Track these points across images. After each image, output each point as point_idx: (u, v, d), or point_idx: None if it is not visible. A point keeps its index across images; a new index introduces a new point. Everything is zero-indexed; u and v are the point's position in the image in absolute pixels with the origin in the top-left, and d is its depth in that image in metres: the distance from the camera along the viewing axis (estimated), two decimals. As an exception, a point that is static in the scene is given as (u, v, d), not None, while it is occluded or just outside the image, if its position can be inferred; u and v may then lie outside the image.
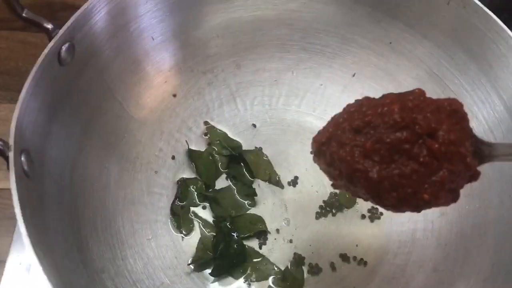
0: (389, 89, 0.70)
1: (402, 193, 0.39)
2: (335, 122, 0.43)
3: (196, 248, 0.64)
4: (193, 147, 0.70)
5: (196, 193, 0.67)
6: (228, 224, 0.64)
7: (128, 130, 0.66)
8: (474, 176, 0.41)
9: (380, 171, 0.39)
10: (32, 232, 0.42)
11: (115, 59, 0.62)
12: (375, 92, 0.72)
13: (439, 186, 0.39)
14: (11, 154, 0.45)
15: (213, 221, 0.65)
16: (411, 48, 0.68)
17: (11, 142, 0.46)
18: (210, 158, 0.69)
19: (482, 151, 0.41)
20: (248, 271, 0.63)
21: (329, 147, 0.42)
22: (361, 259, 0.65)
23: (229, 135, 0.72)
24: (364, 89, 0.73)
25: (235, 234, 0.64)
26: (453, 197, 0.41)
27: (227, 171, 0.69)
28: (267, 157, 0.71)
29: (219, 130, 0.72)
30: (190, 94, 0.72)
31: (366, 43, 0.71)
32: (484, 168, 0.44)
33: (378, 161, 0.39)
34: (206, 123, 0.72)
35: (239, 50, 0.73)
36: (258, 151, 0.71)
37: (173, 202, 0.66)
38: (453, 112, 0.40)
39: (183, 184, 0.67)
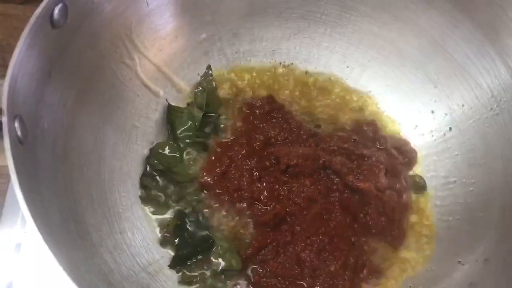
0: (390, 58, 0.69)
1: None
2: None
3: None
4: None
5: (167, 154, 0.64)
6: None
7: (123, 100, 0.63)
8: None
9: None
10: (29, 200, 0.40)
11: (109, 24, 0.59)
12: (376, 62, 0.71)
13: None
14: (4, 119, 0.42)
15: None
16: (415, 17, 0.66)
17: (4, 106, 0.43)
18: (189, 115, 0.66)
19: None
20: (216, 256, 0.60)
21: None
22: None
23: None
24: (365, 59, 0.71)
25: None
26: None
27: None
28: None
29: (214, 83, 0.69)
30: (185, 64, 0.69)
31: (368, 11, 0.68)
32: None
33: None
34: (209, 67, 0.70)
35: (236, 17, 0.70)
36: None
37: (143, 174, 0.62)
38: None
39: (154, 150, 0.64)
